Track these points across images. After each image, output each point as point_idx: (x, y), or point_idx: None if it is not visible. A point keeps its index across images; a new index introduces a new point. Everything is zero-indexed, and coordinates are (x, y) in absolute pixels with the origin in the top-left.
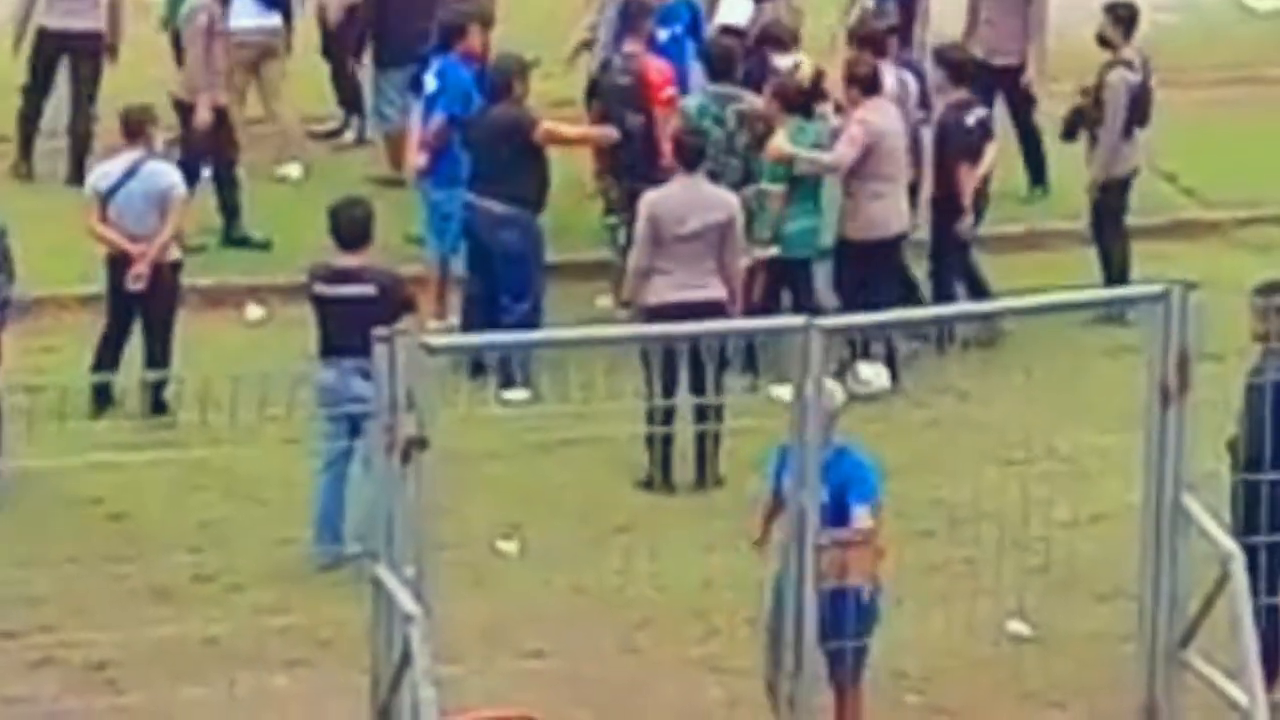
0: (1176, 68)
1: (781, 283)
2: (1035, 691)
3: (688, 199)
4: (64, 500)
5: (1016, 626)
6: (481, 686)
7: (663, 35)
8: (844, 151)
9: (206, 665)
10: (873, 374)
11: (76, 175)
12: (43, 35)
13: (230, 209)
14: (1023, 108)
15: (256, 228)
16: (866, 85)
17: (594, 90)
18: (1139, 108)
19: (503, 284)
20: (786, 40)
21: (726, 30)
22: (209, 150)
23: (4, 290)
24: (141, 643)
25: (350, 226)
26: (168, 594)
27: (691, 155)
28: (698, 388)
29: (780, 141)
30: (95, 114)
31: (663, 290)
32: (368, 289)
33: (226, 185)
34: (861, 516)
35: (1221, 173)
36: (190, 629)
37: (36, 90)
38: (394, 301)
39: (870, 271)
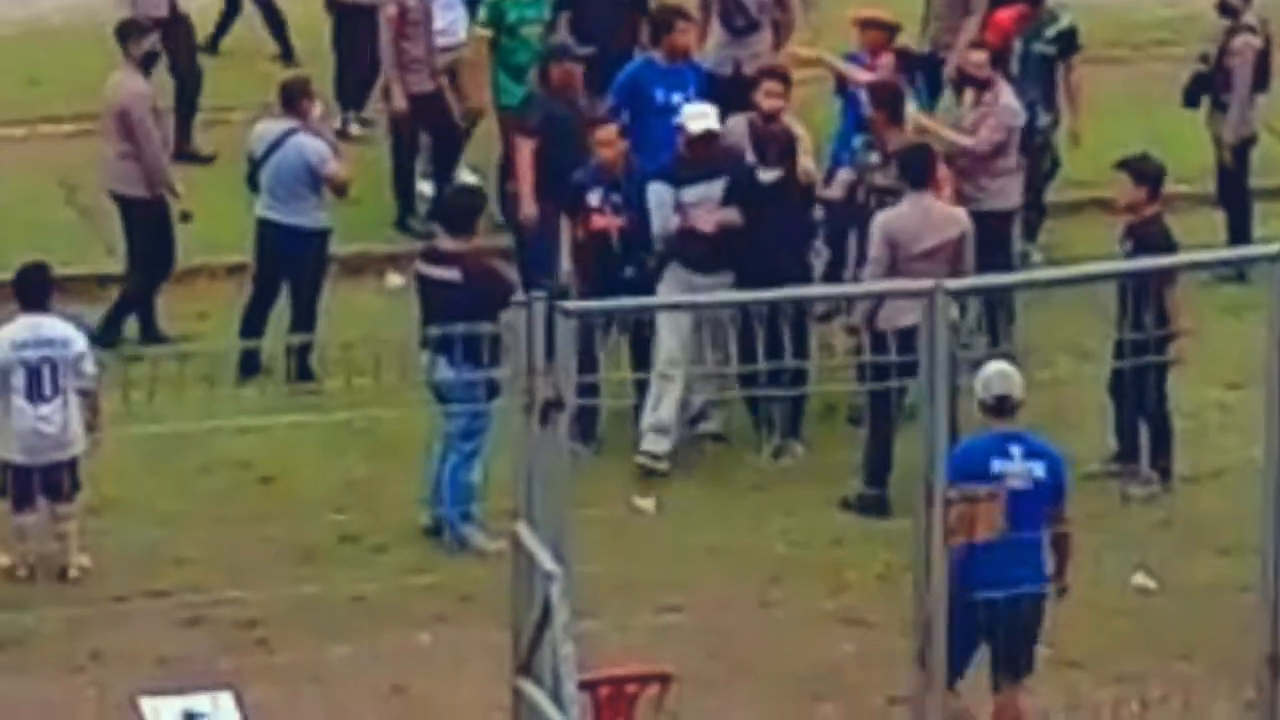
0: None
1: None
2: (1161, 643)
3: (922, 217)
4: (213, 463)
5: (1142, 580)
6: (619, 641)
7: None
8: (988, 137)
9: (353, 623)
10: None
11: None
12: None
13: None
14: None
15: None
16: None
17: None
18: (1261, 73)
19: None
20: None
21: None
22: (411, 135)
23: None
24: (290, 601)
25: (454, 211)
26: (314, 554)
27: (919, 172)
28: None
29: (921, 115)
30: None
31: (907, 313)
32: (453, 273)
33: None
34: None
35: None
36: (337, 588)
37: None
38: (478, 291)
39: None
